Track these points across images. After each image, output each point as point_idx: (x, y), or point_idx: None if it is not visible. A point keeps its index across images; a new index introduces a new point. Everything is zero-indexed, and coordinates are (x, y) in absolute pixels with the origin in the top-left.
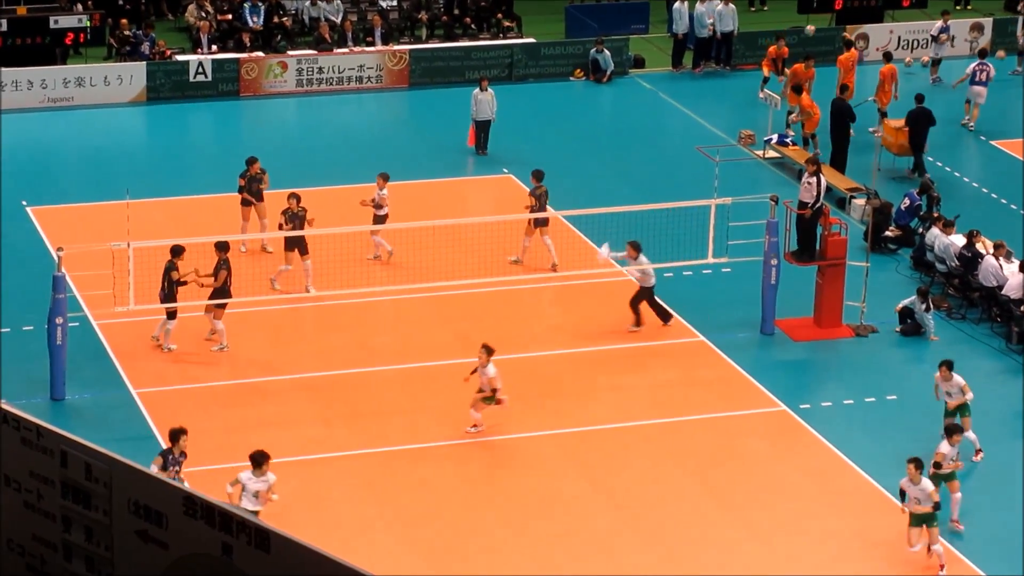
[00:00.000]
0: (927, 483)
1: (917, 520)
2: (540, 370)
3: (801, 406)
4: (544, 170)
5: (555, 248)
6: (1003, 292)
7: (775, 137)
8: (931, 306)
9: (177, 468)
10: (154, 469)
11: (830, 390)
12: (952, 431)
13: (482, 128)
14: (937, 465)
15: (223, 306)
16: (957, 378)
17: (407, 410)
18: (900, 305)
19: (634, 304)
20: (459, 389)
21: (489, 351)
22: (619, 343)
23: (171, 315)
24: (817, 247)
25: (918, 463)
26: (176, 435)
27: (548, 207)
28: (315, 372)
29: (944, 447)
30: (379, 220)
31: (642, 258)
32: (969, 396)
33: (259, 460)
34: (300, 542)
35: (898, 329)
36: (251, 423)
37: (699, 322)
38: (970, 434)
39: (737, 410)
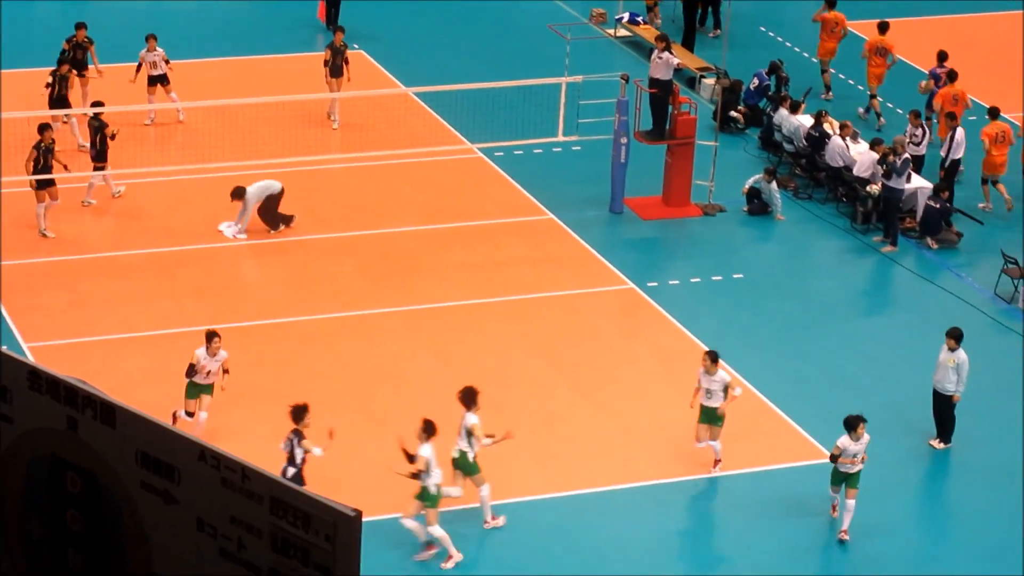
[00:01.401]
0: (723, 375)
1: (706, 416)
2: (390, 246)
3: (649, 284)
4: (395, 47)
5: (405, 123)
6: (853, 172)
7: (626, 16)
8: (778, 184)
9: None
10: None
11: (678, 268)
12: (853, 424)
13: (332, 3)
14: (833, 457)
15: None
16: (722, 373)
17: (256, 285)
18: (747, 185)
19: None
20: (308, 265)
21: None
22: (469, 220)
23: (100, 170)
24: (667, 126)
25: (713, 356)
26: (300, 413)
27: (399, 84)
28: (163, 247)
29: (843, 440)
30: (156, 79)
31: (250, 191)
32: (736, 393)
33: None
34: (146, 416)
35: (746, 208)
36: (99, 298)
37: (549, 200)
38: (716, 444)
39: (585, 288)
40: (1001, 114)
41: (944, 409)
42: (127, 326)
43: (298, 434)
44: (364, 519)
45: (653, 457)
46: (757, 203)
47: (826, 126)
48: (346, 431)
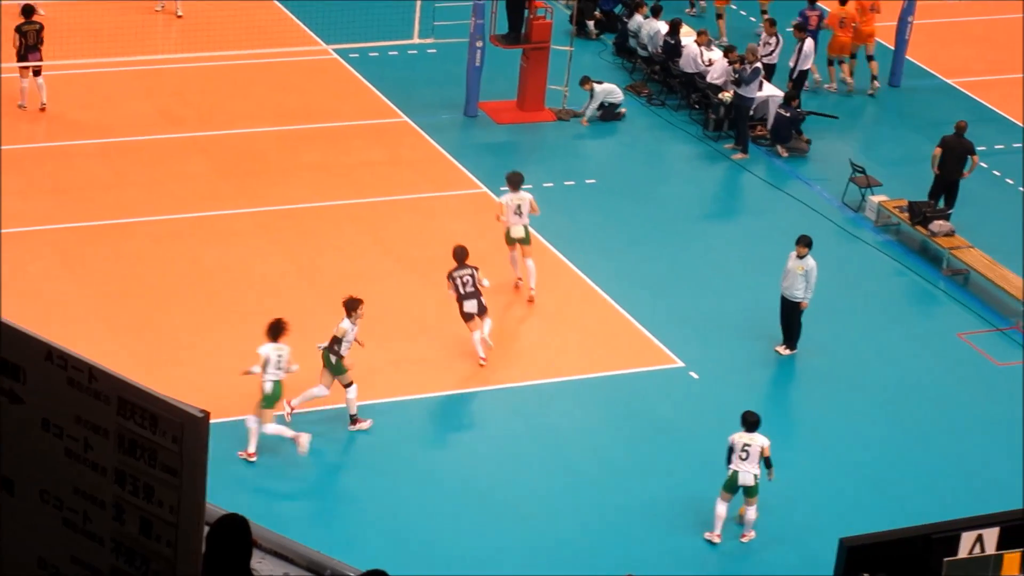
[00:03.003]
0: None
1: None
2: (244, 147)
3: (501, 188)
4: None
5: (259, 23)
6: (707, 79)
7: None
8: (633, 90)
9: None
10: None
11: (531, 173)
12: (751, 422)
13: None
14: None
15: None
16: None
17: (108, 185)
18: (586, 115)
19: None
20: (160, 164)
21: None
22: (323, 122)
23: (37, 72)
24: (523, 30)
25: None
26: (464, 252)
27: None
28: (13, 144)
29: (765, 439)
30: None
31: None
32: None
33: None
34: None
35: (599, 114)
36: None
37: (403, 103)
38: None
39: (439, 191)
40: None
41: (791, 315)
42: None
43: (474, 268)
44: (214, 420)
45: (503, 359)
46: (608, 107)
47: (682, 33)
48: (197, 332)
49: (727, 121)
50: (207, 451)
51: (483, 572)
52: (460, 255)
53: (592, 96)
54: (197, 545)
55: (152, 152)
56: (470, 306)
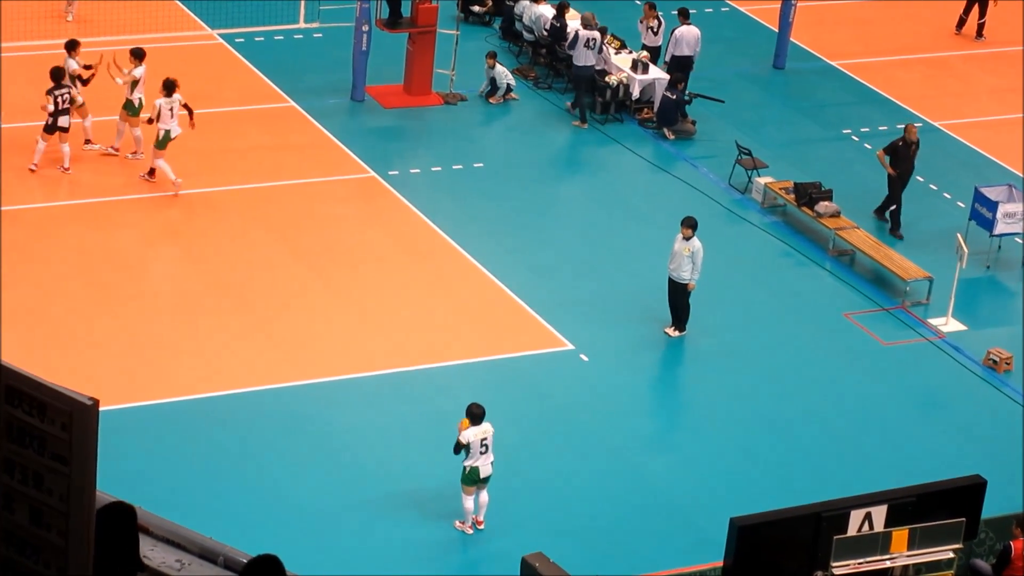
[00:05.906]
0: None
1: None
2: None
3: (390, 172)
4: None
5: (142, 7)
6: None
7: None
8: (520, 73)
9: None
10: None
11: (418, 157)
12: (478, 414)
13: None
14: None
15: None
16: None
17: (5, 168)
18: (483, 87)
19: None
20: (44, 151)
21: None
22: (209, 107)
23: None
24: (404, 15)
25: None
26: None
27: None
28: None
29: (472, 432)
30: None
31: None
32: None
33: None
34: None
35: (489, 98)
36: None
37: (289, 87)
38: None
39: (326, 176)
40: None
41: (679, 297)
42: None
43: (70, 87)
44: (103, 408)
45: (392, 345)
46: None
47: (568, 17)
48: (84, 319)
49: (614, 103)
50: (97, 439)
51: (375, 557)
52: (57, 76)
53: (495, 73)
54: (88, 533)
55: (34, 138)
56: (64, 121)
